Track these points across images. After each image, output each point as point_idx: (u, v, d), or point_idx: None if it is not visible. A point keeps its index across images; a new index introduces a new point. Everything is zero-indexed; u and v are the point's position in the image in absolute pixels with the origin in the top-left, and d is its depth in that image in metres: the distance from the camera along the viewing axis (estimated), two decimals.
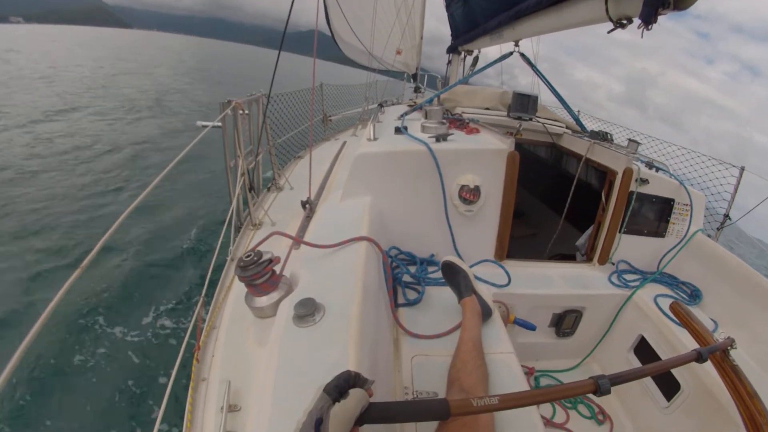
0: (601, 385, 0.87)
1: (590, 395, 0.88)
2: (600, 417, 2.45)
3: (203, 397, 1.40)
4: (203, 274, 4.95)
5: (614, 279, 2.76)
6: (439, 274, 2.09)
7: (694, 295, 2.69)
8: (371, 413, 0.76)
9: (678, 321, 1.60)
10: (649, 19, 1.70)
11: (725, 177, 4.03)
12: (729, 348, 1.30)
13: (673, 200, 2.89)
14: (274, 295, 1.61)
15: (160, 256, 5.62)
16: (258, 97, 3.11)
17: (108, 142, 10.43)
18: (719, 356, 1.30)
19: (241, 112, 2.69)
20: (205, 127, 2.30)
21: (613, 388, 0.89)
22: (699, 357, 1.18)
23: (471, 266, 2.55)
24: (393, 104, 6.04)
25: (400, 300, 2.04)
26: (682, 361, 1.16)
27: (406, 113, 3.56)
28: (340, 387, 0.76)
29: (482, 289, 2.02)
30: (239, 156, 2.70)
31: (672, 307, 1.58)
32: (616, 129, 6.31)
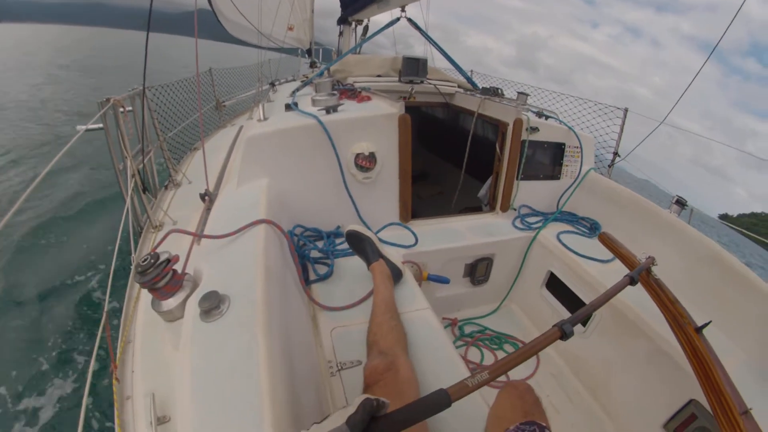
0: (565, 330, 0.94)
1: None
2: None
3: (131, 416, 1.33)
4: (104, 289, 4.51)
5: (518, 223, 2.93)
6: (346, 246, 2.10)
7: (593, 228, 2.93)
8: (380, 429, 0.71)
9: (608, 249, 1.76)
10: None
11: (611, 119, 4.33)
12: (651, 266, 1.47)
13: (563, 144, 3.09)
14: (180, 295, 1.53)
15: (51, 279, 4.86)
16: (140, 91, 2.90)
17: None
18: (644, 274, 1.48)
19: (122, 109, 2.50)
20: (89, 130, 2.13)
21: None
22: (632, 281, 1.31)
23: (377, 231, 2.60)
24: (287, 81, 5.88)
25: (312, 277, 2.03)
26: (620, 287, 1.27)
27: (297, 89, 3.48)
28: (365, 422, 0.69)
29: (391, 252, 2.05)
30: (126, 156, 2.52)
31: (601, 238, 1.75)
32: (509, 86, 6.56)
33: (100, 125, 2.26)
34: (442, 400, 0.75)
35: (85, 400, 1.34)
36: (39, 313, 4.24)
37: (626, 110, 4.15)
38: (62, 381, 3.43)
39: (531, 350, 0.91)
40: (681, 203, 2.76)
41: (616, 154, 4.11)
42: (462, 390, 0.77)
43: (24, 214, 6.04)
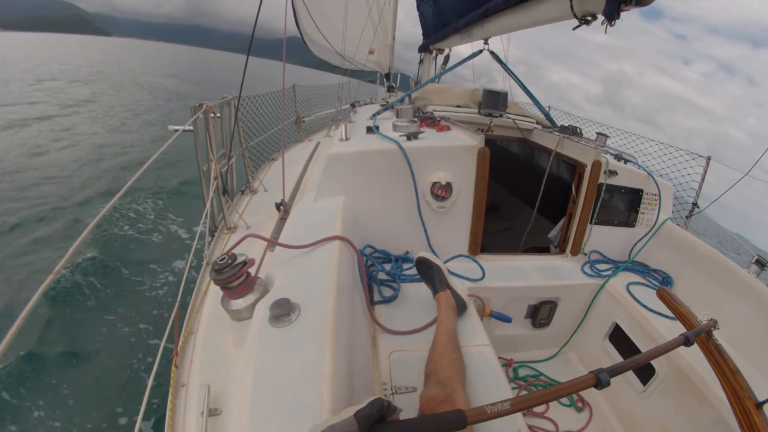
0: (601, 379, 0.90)
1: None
2: (579, 404, 2.51)
3: (183, 403, 1.38)
4: (179, 280, 4.91)
5: (587, 269, 2.82)
6: (413, 271, 2.11)
7: (665, 282, 2.77)
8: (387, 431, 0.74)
9: (666, 306, 1.67)
10: (612, 15, 1.75)
11: (692, 167, 4.16)
12: (712, 329, 1.38)
13: (641, 190, 2.97)
14: (250, 297, 1.60)
15: (135, 264, 5.54)
16: (229, 99, 3.08)
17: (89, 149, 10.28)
18: (703, 337, 1.37)
19: (212, 115, 2.66)
20: (176, 130, 2.28)
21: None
22: (686, 341, 1.23)
23: (445, 262, 2.58)
24: (366, 104, 6.05)
25: (376, 297, 2.05)
26: (672, 346, 1.20)
27: (378, 112, 3.58)
28: (373, 417, 0.73)
29: (457, 283, 2.05)
30: (212, 159, 2.67)
31: (659, 293, 1.66)
32: (587, 124, 6.44)
33: (191, 127, 2.39)
34: (456, 421, 0.75)
35: (151, 382, 1.41)
36: (126, 293, 4.94)
37: (708, 158, 3.97)
38: (135, 360, 3.97)
39: (560, 392, 0.88)
40: (761, 263, 2.59)
41: (695, 204, 3.92)
42: (479, 415, 0.77)
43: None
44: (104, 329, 4.27)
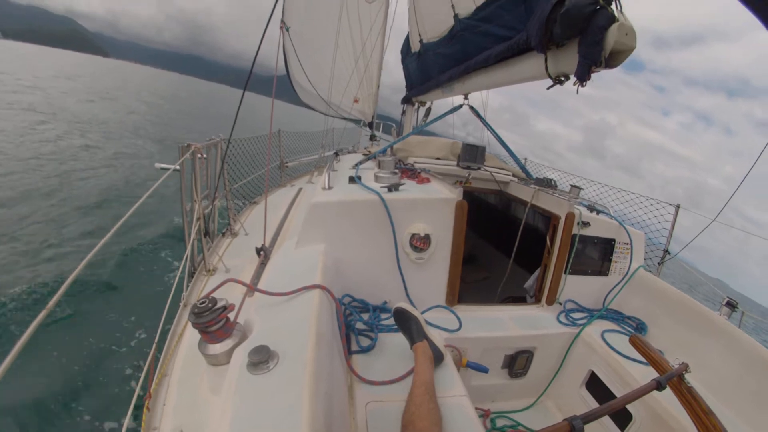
0: (575, 426, 0.93)
1: None
2: None
3: None
4: (155, 321, 4.79)
5: (562, 318, 2.89)
6: (391, 321, 2.13)
7: (640, 328, 2.85)
8: None
9: (639, 352, 1.73)
10: (583, 76, 1.88)
11: (662, 215, 4.38)
12: (684, 372, 1.43)
13: (613, 240, 3.09)
14: (228, 342, 1.61)
15: (111, 303, 5.36)
16: (217, 142, 3.14)
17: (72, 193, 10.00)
18: (676, 381, 1.43)
19: (199, 156, 2.71)
20: (164, 169, 2.30)
21: None
22: (659, 385, 1.28)
23: (423, 312, 2.62)
24: (349, 152, 6.19)
25: (354, 347, 2.06)
26: (645, 391, 1.24)
27: (360, 162, 3.67)
28: None
29: (434, 334, 2.07)
30: (195, 200, 2.70)
31: (632, 340, 1.72)
32: (564, 175, 6.69)
33: (176, 166, 2.41)
34: None
35: (126, 425, 1.41)
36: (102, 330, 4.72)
37: (678, 206, 4.18)
38: (109, 401, 3.81)
39: None
40: (732, 305, 2.71)
41: (666, 251, 4.08)
42: None
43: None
44: (75, 367, 4.10)
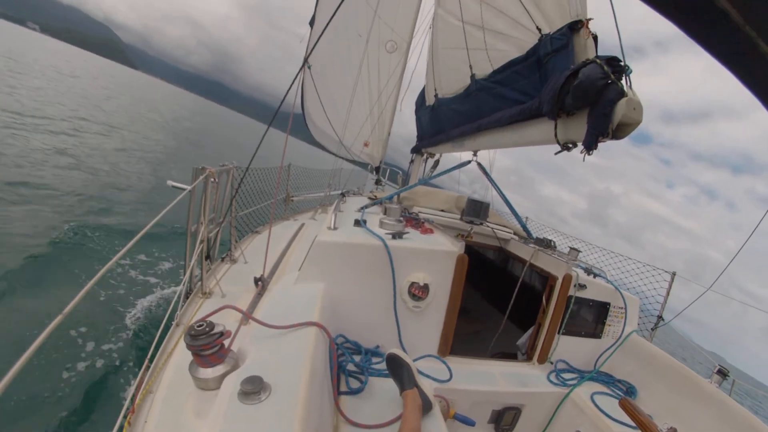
0: None
1: None
2: None
3: None
4: (148, 338, 4.70)
5: (553, 378, 2.89)
6: (382, 366, 2.14)
7: (630, 392, 2.86)
8: None
9: (628, 416, 1.73)
10: (590, 145, 1.97)
11: (658, 282, 4.44)
12: None
13: (609, 304, 3.14)
14: (220, 368, 1.61)
15: (106, 317, 5.27)
16: (229, 168, 3.22)
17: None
18: None
19: (212, 180, 2.77)
20: (175, 188, 2.35)
21: None
22: None
23: (415, 360, 2.62)
24: (354, 194, 6.29)
25: (343, 388, 2.05)
26: None
27: (366, 206, 3.75)
28: None
29: (424, 383, 2.07)
30: (201, 223, 2.73)
31: (621, 404, 1.74)
32: (564, 238, 6.76)
33: (188, 187, 2.46)
34: None
35: None
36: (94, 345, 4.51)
37: (674, 274, 4.25)
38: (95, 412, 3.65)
39: None
40: (722, 373, 2.74)
41: (660, 317, 4.12)
42: None
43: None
44: (64, 374, 4.01)
